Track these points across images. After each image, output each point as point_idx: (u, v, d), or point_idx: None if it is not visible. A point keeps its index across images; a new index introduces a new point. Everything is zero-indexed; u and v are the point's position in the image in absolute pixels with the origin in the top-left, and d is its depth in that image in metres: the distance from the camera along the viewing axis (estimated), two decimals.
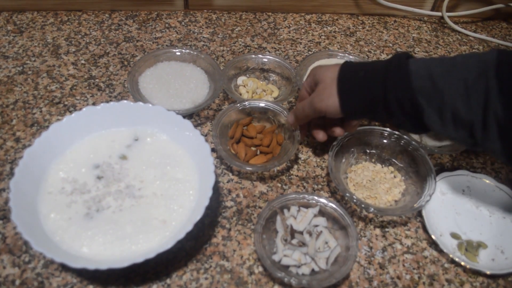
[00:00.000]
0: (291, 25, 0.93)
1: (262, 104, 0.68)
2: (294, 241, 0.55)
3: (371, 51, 0.89)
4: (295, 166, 0.67)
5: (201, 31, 0.89)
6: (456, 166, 0.69)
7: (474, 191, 0.64)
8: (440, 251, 0.58)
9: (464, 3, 0.96)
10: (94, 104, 0.72)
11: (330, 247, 0.55)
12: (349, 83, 0.55)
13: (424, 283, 0.55)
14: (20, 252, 0.54)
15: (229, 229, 0.58)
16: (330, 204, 0.57)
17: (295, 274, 0.53)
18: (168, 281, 0.53)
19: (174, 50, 0.76)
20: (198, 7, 0.93)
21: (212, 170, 0.54)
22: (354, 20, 0.96)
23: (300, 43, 0.88)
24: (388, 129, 0.65)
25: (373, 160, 0.67)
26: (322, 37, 0.91)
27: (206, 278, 0.54)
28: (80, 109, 0.60)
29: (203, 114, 0.73)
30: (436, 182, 0.61)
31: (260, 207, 0.61)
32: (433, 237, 0.58)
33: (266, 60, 0.77)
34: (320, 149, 0.69)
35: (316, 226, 0.57)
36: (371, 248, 0.58)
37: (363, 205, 0.58)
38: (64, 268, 0.53)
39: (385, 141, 0.66)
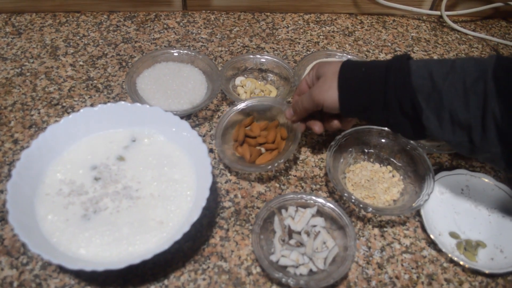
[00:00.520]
0: (289, 25, 0.93)
1: (260, 102, 0.68)
2: (292, 242, 0.55)
3: (370, 51, 0.88)
4: (294, 166, 0.66)
5: (199, 31, 0.89)
6: (455, 165, 0.69)
7: (473, 190, 0.64)
8: (439, 250, 0.58)
9: (463, 2, 0.96)
10: (92, 105, 0.72)
11: (328, 247, 0.55)
12: (350, 78, 0.54)
13: (422, 282, 0.55)
14: (18, 253, 0.54)
15: (227, 230, 0.58)
16: (328, 204, 0.57)
17: (293, 275, 0.53)
18: (166, 282, 0.53)
19: (172, 51, 0.76)
20: (196, 7, 0.93)
21: (210, 170, 0.54)
22: (352, 20, 0.96)
23: (299, 43, 0.88)
24: (386, 128, 0.65)
25: (371, 159, 0.67)
26: (320, 37, 0.91)
27: (204, 279, 0.54)
28: (78, 110, 0.60)
29: (201, 114, 0.73)
30: (435, 181, 0.61)
31: (258, 208, 0.61)
32: (431, 236, 0.57)
33: (264, 60, 0.77)
34: (318, 149, 0.69)
35: (314, 226, 0.57)
36: (369, 248, 0.58)
37: (361, 205, 0.57)
38: (62, 269, 0.53)
39: (383, 140, 0.66)
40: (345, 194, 0.58)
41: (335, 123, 0.60)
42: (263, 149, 0.66)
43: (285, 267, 0.53)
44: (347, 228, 0.55)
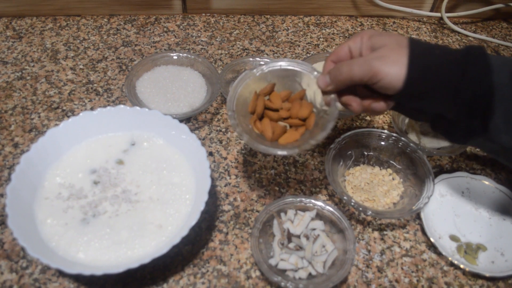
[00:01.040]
0: (289, 27, 0.93)
1: (283, 65, 0.56)
2: (291, 245, 0.55)
3: None
4: (293, 169, 0.66)
5: (199, 34, 0.89)
6: (455, 168, 0.68)
7: (473, 193, 0.64)
8: (439, 253, 0.57)
9: (464, 4, 0.96)
10: (92, 109, 0.72)
11: (327, 251, 0.55)
12: (422, 57, 0.47)
13: (423, 286, 0.55)
14: (18, 257, 0.54)
15: (226, 233, 0.58)
16: (327, 207, 0.57)
17: (292, 278, 0.53)
18: (165, 286, 0.53)
19: (171, 54, 0.76)
20: (196, 10, 0.93)
21: (208, 174, 0.54)
22: (352, 22, 0.96)
23: (299, 45, 0.88)
24: (386, 131, 0.65)
25: (371, 162, 0.67)
26: (320, 39, 0.90)
27: (203, 283, 0.53)
28: (78, 114, 0.60)
29: (200, 117, 0.73)
30: (435, 184, 0.61)
31: (257, 211, 0.61)
32: (432, 239, 0.57)
33: (263, 63, 0.77)
34: (317, 152, 0.69)
35: (314, 229, 0.57)
36: (369, 251, 0.58)
37: (361, 208, 0.57)
38: (61, 273, 0.53)
39: (383, 143, 0.66)
40: (345, 197, 0.58)
41: (382, 104, 0.51)
42: (286, 125, 0.55)
43: (284, 270, 0.53)
44: (347, 231, 0.55)
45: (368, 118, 0.75)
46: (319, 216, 0.58)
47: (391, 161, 0.66)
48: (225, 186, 0.64)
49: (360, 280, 0.55)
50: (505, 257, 0.57)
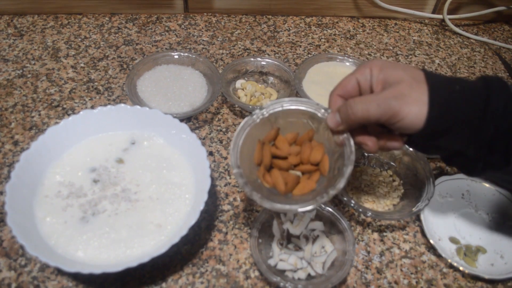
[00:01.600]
0: (291, 28, 0.93)
1: (285, 106, 0.50)
2: (291, 246, 0.55)
3: (371, 54, 0.88)
4: None
5: (200, 34, 0.89)
6: (455, 170, 0.68)
7: (473, 195, 0.64)
8: (439, 255, 0.57)
9: (466, 6, 0.96)
10: (92, 107, 0.72)
11: (326, 252, 0.55)
12: (443, 93, 0.43)
13: None
14: (17, 255, 0.54)
15: (226, 233, 0.58)
16: (327, 208, 0.57)
17: (291, 279, 0.52)
18: (163, 285, 0.53)
19: (172, 53, 0.76)
20: (198, 10, 0.93)
21: (208, 174, 0.54)
22: (354, 23, 0.96)
23: (300, 46, 0.88)
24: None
25: (371, 163, 0.66)
26: (322, 40, 0.90)
27: (202, 283, 0.53)
28: (78, 112, 0.60)
29: (201, 117, 0.73)
30: (435, 185, 0.60)
31: (257, 211, 0.61)
32: (431, 241, 0.57)
33: (264, 63, 0.77)
34: None
35: (313, 230, 0.56)
36: (368, 252, 0.58)
37: (360, 209, 0.57)
38: (60, 271, 0.53)
39: None
40: (345, 198, 0.58)
41: (398, 141, 0.47)
42: (298, 172, 0.49)
43: (283, 271, 0.53)
44: (346, 232, 0.55)
45: None
46: (319, 216, 0.57)
47: (392, 163, 0.66)
48: (225, 186, 0.64)
49: (359, 281, 0.55)
50: (505, 260, 0.57)
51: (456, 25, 0.97)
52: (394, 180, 0.65)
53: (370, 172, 0.65)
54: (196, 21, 0.92)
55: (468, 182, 0.64)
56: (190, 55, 0.76)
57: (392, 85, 0.44)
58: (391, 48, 0.90)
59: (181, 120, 0.60)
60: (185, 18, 0.92)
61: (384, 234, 0.60)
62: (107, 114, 0.61)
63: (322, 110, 0.49)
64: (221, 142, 0.69)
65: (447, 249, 0.58)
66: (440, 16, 0.96)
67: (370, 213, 0.57)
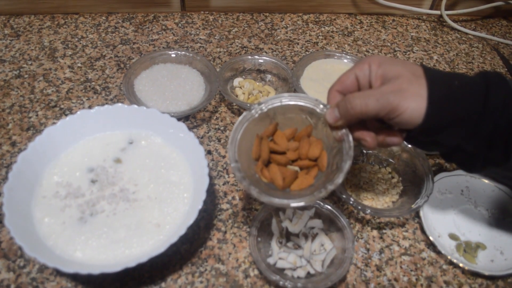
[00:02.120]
0: (288, 25, 0.92)
1: (284, 101, 0.50)
2: (290, 244, 0.55)
3: (369, 51, 0.88)
4: None
5: (198, 32, 0.88)
6: (454, 166, 0.68)
7: (473, 191, 0.64)
8: (438, 252, 0.57)
9: (463, 1, 0.96)
10: (90, 107, 0.72)
11: (326, 249, 0.54)
12: (444, 89, 0.43)
13: (422, 285, 0.55)
14: (15, 256, 0.54)
15: (225, 232, 0.58)
16: (326, 206, 0.56)
17: (291, 277, 0.52)
18: (163, 285, 0.53)
19: (169, 52, 0.75)
20: (195, 8, 0.93)
21: (206, 172, 0.54)
22: (352, 20, 0.96)
23: (298, 43, 0.88)
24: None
25: (370, 161, 0.66)
26: (319, 37, 0.90)
27: (201, 282, 0.53)
28: (76, 112, 0.60)
29: (199, 116, 0.72)
30: (435, 182, 0.60)
31: (256, 210, 0.61)
32: (431, 238, 0.57)
33: (262, 61, 0.77)
34: None
35: (312, 228, 0.56)
36: (368, 250, 0.58)
37: (360, 207, 0.57)
38: (58, 272, 0.53)
39: None
40: (344, 196, 0.57)
41: (397, 137, 0.47)
42: (296, 168, 0.50)
43: (282, 269, 0.53)
44: (345, 230, 0.54)
45: None
46: (318, 214, 0.57)
47: (390, 160, 0.65)
48: (223, 184, 0.63)
49: (359, 279, 0.55)
50: (505, 256, 0.57)
51: (454, 21, 0.96)
52: (393, 177, 0.65)
53: (369, 169, 0.65)
54: (193, 20, 0.91)
55: (467, 178, 0.64)
56: (188, 54, 0.75)
57: (391, 80, 0.44)
58: (389, 44, 0.90)
59: (179, 119, 0.60)
60: (182, 17, 0.92)
61: (384, 231, 0.60)
62: (104, 113, 0.60)
63: (321, 106, 0.49)
64: (219, 140, 0.69)
65: (447, 246, 0.58)
66: (438, 12, 0.96)
67: (369, 211, 0.57)
